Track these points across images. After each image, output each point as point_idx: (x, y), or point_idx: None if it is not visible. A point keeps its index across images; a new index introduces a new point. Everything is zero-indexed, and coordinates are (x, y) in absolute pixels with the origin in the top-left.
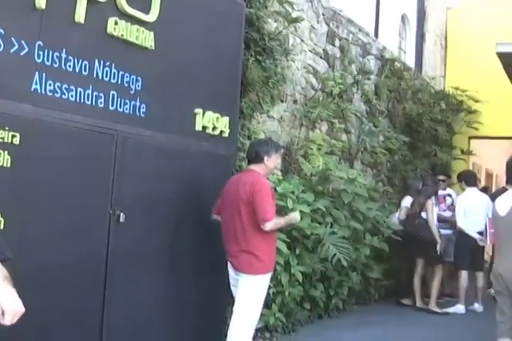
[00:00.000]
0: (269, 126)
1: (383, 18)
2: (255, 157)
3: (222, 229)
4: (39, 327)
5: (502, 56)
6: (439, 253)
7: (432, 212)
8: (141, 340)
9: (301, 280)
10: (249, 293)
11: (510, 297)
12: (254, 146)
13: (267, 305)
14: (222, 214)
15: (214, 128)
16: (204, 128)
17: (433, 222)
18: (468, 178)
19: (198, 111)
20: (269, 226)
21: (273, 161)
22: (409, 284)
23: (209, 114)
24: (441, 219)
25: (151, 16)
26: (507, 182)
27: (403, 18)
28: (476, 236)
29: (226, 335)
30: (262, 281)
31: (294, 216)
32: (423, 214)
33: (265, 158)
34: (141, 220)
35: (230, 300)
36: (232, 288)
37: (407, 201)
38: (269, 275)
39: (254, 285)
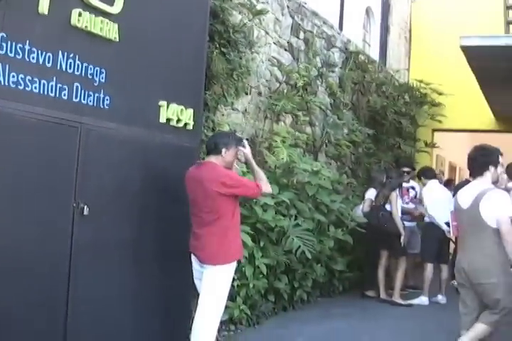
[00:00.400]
0: (234, 119)
1: (348, 11)
2: (214, 148)
3: (192, 221)
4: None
5: (466, 49)
6: (402, 245)
7: (396, 204)
8: (105, 333)
9: (265, 273)
10: (215, 284)
11: (472, 290)
12: (214, 137)
13: (232, 297)
14: (190, 208)
15: (178, 120)
16: (168, 120)
17: (397, 214)
18: (426, 172)
19: (162, 103)
20: (265, 189)
21: (231, 154)
22: (374, 276)
23: (173, 106)
24: (404, 212)
25: (116, 8)
26: (470, 174)
27: (367, 11)
28: (445, 227)
29: (191, 328)
30: (227, 271)
31: (246, 153)
32: (387, 207)
33: (223, 150)
34: (106, 213)
35: (195, 293)
36: (196, 281)
37: (370, 193)
38: (234, 265)
39: (219, 276)
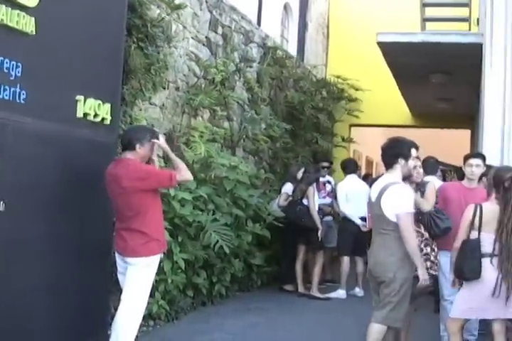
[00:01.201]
0: (151, 113)
1: (266, 7)
2: (128, 144)
3: (115, 218)
4: None
5: (382, 45)
6: (320, 239)
7: (313, 199)
8: (23, 330)
9: (183, 268)
10: (138, 278)
11: (378, 285)
12: (127, 133)
13: (150, 293)
14: (113, 205)
15: (95, 115)
16: (85, 115)
17: (314, 209)
18: (346, 165)
19: (80, 97)
20: (184, 176)
21: (146, 149)
22: (292, 270)
23: (90, 100)
24: (320, 207)
25: (32, 1)
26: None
27: (286, 7)
28: (359, 221)
29: (111, 324)
30: (150, 265)
31: (161, 144)
32: (304, 201)
33: (137, 145)
34: (22, 209)
35: (115, 288)
36: (119, 276)
37: (287, 187)
38: (157, 259)
39: (142, 270)
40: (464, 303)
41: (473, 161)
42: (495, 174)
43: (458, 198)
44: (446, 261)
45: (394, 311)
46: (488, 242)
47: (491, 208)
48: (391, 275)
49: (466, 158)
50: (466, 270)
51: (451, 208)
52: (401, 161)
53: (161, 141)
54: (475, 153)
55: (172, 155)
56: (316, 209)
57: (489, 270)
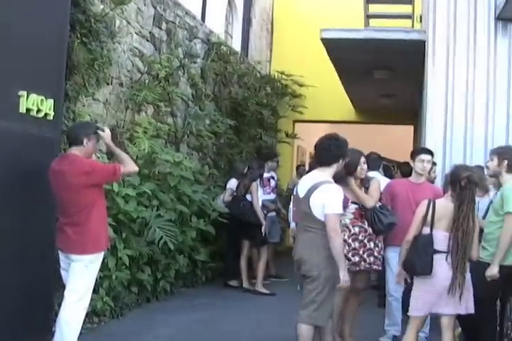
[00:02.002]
0: (95, 109)
1: (210, 2)
2: (75, 139)
3: (57, 214)
4: None
5: (326, 42)
6: (263, 234)
7: (257, 195)
8: None
9: (128, 264)
10: (81, 275)
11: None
12: (74, 128)
13: (94, 289)
14: (57, 201)
15: (38, 110)
16: (28, 110)
17: (258, 204)
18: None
19: (22, 93)
20: (129, 168)
21: (93, 144)
22: (236, 266)
23: (33, 96)
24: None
25: None
26: (318, 163)
27: (230, 3)
28: None
29: (55, 321)
30: (93, 261)
31: (104, 136)
32: (248, 197)
33: (85, 140)
34: None
35: (58, 284)
36: (62, 272)
37: (232, 183)
38: (100, 256)
39: (85, 267)
40: (416, 301)
41: (425, 157)
42: (452, 172)
43: (406, 194)
44: (393, 256)
45: (318, 311)
46: (439, 239)
47: (444, 204)
48: (316, 273)
49: (416, 153)
50: (418, 265)
51: (398, 204)
52: (341, 161)
53: (107, 132)
54: (425, 148)
55: (116, 149)
56: (260, 204)
57: (444, 267)
